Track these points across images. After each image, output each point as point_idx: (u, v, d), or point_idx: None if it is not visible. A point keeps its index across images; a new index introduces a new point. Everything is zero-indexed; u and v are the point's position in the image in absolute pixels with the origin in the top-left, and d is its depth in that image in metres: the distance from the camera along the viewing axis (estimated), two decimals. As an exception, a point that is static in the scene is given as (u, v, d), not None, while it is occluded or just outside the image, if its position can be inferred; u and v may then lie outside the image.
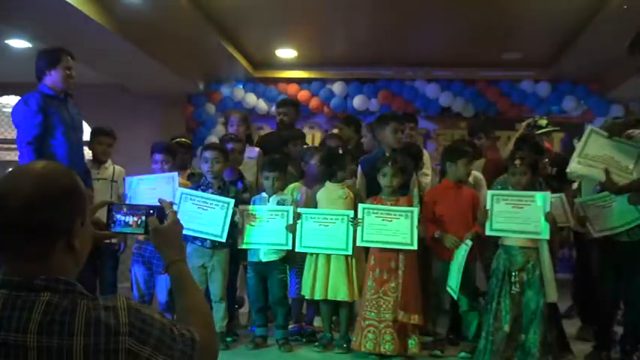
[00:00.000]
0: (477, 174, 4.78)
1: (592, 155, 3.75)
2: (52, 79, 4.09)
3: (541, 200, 3.91)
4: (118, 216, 1.55)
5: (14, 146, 4.71)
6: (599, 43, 6.21)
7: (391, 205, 4.27)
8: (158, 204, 1.56)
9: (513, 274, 3.92)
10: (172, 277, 1.49)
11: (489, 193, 4.10)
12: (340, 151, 4.72)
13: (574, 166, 3.80)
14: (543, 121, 5.23)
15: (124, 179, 4.70)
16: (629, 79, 6.82)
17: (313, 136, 8.12)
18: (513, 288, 3.92)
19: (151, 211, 1.54)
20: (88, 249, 1.33)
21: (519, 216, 3.93)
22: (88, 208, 1.35)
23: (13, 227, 1.20)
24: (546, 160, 4.67)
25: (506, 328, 3.86)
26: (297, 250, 4.37)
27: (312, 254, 4.39)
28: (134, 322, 1.18)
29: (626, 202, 3.93)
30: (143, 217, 1.54)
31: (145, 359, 1.18)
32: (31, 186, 1.21)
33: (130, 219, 1.55)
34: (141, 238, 4.18)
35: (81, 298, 1.20)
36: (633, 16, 5.43)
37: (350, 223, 4.26)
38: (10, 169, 1.35)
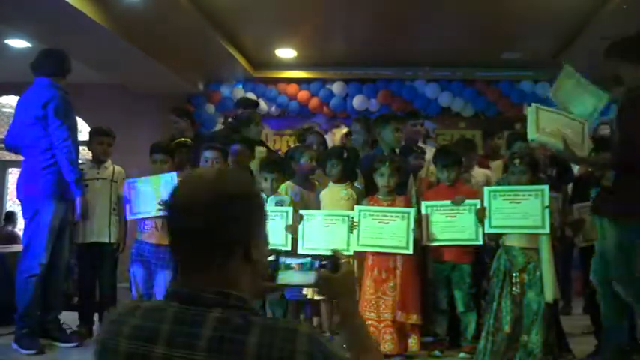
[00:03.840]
0: (487, 172, 4.80)
1: (549, 131, 3.74)
2: (65, 83, 4.26)
3: (540, 194, 3.89)
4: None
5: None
6: (599, 43, 6.21)
7: (388, 205, 4.27)
8: (330, 253, 1.47)
9: (514, 274, 3.91)
10: (347, 333, 1.40)
11: (485, 190, 4.07)
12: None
13: (534, 135, 3.75)
14: None
15: (123, 179, 4.71)
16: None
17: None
18: (514, 289, 3.90)
19: (323, 263, 1.45)
20: (265, 261, 1.26)
21: (518, 211, 3.90)
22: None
23: (190, 235, 1.15)
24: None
25: (507, 328, 3.84)
26: (299, 252, 4.35)
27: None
28: (313, 351, 1.09)
29: None
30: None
31: None
32: (210, 193, 1.16)
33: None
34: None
35: (253, 315, 1.13)
36: (632, 16, 5.44)
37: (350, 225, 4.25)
38: (185, 175, 1.29)
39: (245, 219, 1.18)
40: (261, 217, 1.23)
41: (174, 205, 1.19)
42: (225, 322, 1.09)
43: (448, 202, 4.22)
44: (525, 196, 3.91)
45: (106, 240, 4.59)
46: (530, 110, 3.80)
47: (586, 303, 5.05)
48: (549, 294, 3.83)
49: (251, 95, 8.18)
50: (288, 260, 4.28)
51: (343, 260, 1.44)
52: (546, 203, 3.85)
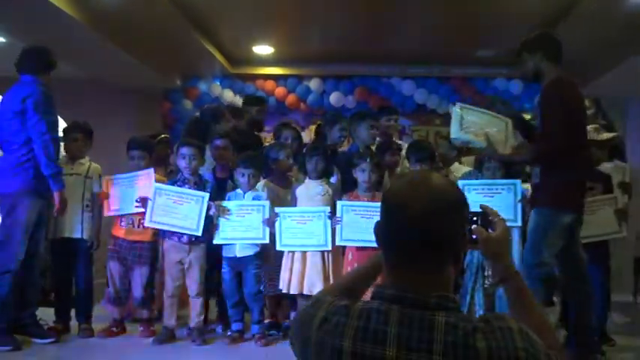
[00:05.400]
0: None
1: (473, 130, 3.80)
2: (48, 79, 4.27)
3: (512, 187, 3.97)
4: None
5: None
6: (570, 41, 6.30)
7: (368, 200, 4.31)
8: (479, 210, 1.42)
9: (487, 268, 3.98)
10: (511, 292, 1.40)
11: (459, 183, 4.13)
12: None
13: (457, 134, 3.80)
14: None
15: (99, 176, 4.68)
16: (600, 77, 6.96)
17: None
18: (487, 282, 3.98)
19: (474, 219, 1.40)
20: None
21: (492, 205, 3.95)
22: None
23: (412, 236, 1.19)
24: None
25: (480, 322, 3.92)
26: (277, 249, 4.37)
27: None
28: (526, 346, 1.12)
29: (607, 213, 4.08)
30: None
31: None
32: (430, 196, 1.21)
33: None
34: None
35: (468, 317, 1.16)
36: (604, 15, 5.56)
37: (327, 219, 4.27)
38: (400, 179, 1.34)
39: (457, 223, 1.23)
40: (466, 221, 1.29)
41: (400, 209, 1.22)
42: (454, 326, 1.12)
43: None
44: (499, 190, 3.99)
45: (78, 236, 4.54)
46: (454, 110, 3.84)
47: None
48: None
49: (228, 92, 8.19)
50: None
51: (496, 218, 1.43)
52: (519, 197, 3.94)
